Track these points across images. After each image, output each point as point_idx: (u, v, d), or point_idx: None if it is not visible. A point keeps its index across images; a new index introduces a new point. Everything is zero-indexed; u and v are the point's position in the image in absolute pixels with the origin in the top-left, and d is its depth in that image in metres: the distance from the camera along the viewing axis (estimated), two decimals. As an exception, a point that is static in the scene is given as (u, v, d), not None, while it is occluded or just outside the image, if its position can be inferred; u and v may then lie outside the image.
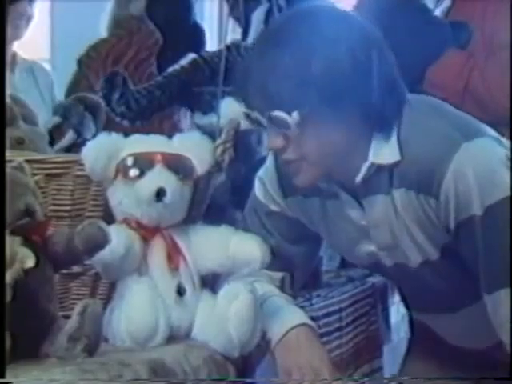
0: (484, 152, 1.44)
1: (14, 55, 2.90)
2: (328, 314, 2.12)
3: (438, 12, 2.40)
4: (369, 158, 1.47)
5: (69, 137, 2.16)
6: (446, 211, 1.44)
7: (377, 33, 1.48)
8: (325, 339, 2.17)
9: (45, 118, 2.71)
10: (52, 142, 2.08)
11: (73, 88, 3.05)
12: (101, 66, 3.04)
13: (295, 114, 1.40)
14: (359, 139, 1.46)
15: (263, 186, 1.64)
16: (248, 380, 1.52)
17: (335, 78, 1.40)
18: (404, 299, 1.81)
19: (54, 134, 2.17)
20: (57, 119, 2.31)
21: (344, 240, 1.59)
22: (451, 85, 2.20)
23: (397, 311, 2.43)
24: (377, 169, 1.47)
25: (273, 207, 1.63)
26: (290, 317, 1.55)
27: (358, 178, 1.48)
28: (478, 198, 1.41)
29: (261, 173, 1.65)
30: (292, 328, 1.53)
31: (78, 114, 2.37)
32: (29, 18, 2.84)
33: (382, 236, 1.52)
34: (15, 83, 2.82)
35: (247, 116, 1.47)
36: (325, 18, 1.45)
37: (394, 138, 1.46)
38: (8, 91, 2.70)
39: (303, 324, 1.55)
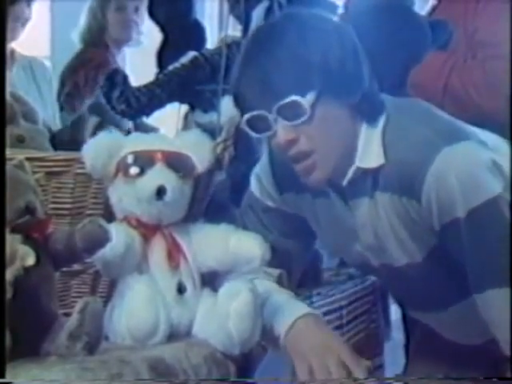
0: (465, 156, 1.44)
1: (13, 52, 2.91)
2: (328, 312, 2.12)
3: (423, 11, 2.40)
4: (355, 161, 1.48)
5: None
6: (428, 214, 1.45)
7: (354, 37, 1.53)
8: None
9: (43, 114, 2.73)
10: None
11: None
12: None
13: (309, 96, 1.42)
14: (351, 134, 1.48)
15: (259, 182, 1.64)
16: (249, 380, 1.52)
17: (333, 63, 1.43)
18: (396, 298, 1.82)
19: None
20: (95, 118, 2.32)
21: (334, 238, 1.60)
22: (431, 86, 2.20)
23: (397, 309, 2.43)
24: (362, 172, 1.49)
25: (269, 203, 1.64)
26: (295, 308, 1.55)
27: (345, 181, 1.49)
28: (460, 201, 1.42)
29: (257, 169, 1.66)
30: (299, 317, 1.52)
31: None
32: (26, 20, 2.85)
33: (367, 237, 1.54)
34: (14, 81, 2.83)
35: (249, 122, 1.47)
36: (310, 20, 1.49)
37: (378, 141, 1.47)
38: (7, 89, 2.73)
39: (309, 313, 1.54)
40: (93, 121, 2.30)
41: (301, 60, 1.43)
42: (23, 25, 2.86)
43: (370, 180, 1.49)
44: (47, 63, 3.28)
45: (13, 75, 2.85)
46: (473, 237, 1.43)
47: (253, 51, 1.47)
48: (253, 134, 1.49)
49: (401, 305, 1.81)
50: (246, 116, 1.47)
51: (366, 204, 1.51)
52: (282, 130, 1.46)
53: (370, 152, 1.48)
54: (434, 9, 2.41)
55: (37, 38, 3.32)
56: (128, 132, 2.18)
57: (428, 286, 1.57)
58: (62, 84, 3.24)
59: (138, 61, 3.54)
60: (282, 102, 1.43)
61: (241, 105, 1.49)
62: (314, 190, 1.56)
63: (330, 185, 1.53)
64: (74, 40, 3.34)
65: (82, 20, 3.36)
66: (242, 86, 1.47)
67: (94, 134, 2.19)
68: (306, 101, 1.43)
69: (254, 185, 1.66)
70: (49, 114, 2.85)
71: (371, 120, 1.49)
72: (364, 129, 1.48)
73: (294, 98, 1.43)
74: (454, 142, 1.44)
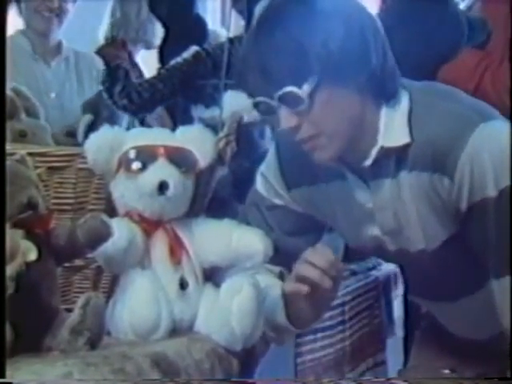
0: (500, 133, 1.44)
1: (60, 44, 2.92)
2: (331, 308, 2.12)
3: (463, 5, 2.38)
4: (378, 141, 1.47)
5: None
6: (459, 192, 1.44)
7: (369, 12, 1.50)
8: (328, 333, 2.18)
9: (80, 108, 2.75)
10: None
11: None
12: None
13: (306, 87, 1.40)
14: (368, 113, 1.46)
15: (265, 180, 1.64)
16: (250, 380, 1.52)
17: (334, 48, 1.40)
18: (406, 290, 1.82)
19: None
20: (88, 117, 2.33)
21: (349, 223, 1.59)
22: (462, 84, 2.19)
23: (400, 305, 2.43)
24: (385, 152, 1.47)
25: (276, 201, 1.63)
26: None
27: (368, 162, 1.48)
28: (492, 179, 1.41)
29: (263, 168, 1.65)
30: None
31: (107, 107, 2.40)
32: (60, 12, 2.86)
33: (386, 220, 1.52)
34: (48, 74, 2.87)
35: (256, 105, 1.46)
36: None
37: (403, 121, 1.46)
38: (39, 81, 2.75)
39: None
40: (85, 119, 2.30)
41: (300, 46, 1.40)
42: (59, 16, 2.87)
43: (393, 160, 1.48)
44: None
45: (51, 68, 2.88)
46: (500, 217, 1.42)
47: (255, 35, 1.45)
48: (259, 118, 1.49)
49: (413, 293, 1.79)
50: (251, 100, 1.46)
51: (387, 185, 1.49)
52: (285, 117, 1.45)
53: (393, 131, 1.46)
54: (473, 4, 2.38)
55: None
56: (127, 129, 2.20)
57: (440, 275, 1.57)
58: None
59: (140, 56, 3.54)
60: (280, 92, 1.42)
61: (245, 89, 1.48)
62: (327, 177, 1.55)
63: (348, 167, 1.52)
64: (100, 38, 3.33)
65: (107, 19, 3.37)
66: (245, 71, 1.46)
67: (86, 132, 2.21)
68: (303, 91, 1.41)
69: (259, 183, 1.65)
70: None
71: (388, 99, 1.47)
72: (384, 109, 1.47)
73: (290, 88, 1.41)
74: (488, 119, 1.44)
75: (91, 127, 2.27)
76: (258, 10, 2.42)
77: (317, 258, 1.45)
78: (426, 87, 1.52)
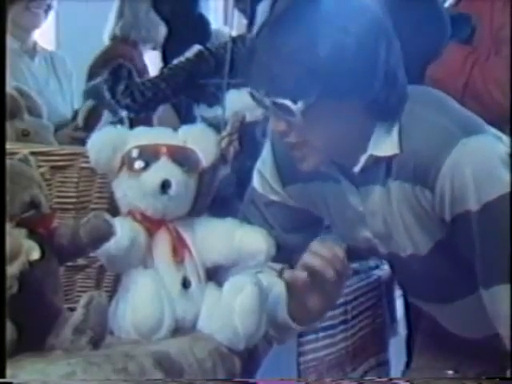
0: (483, 148, 1.43)
1: (35, 44, 2.96)
2: (333, 307, 2.11)
3: (446, 3, 2.38)
4: (368, 149, 1.47)
5: (105, 118, 2.19)
6: (441, 204, 1.45)
7: (387, 21, 1.47)
8: (330, 332, 2.17)
9: (62, 106, 2.78)
10: (87, 128, 2.10)
11: None
12: None
13: (300, 104, 1.40)
14: (362, 129, 1.47)
15: (261, 176, 1.64)
16: (252, 380, 1.52)
17: (341, 66, 1.38)
18: (402, 287, 1.82)
19: (90, 119, 2.21)
20: (90, 102, 2.34)
21: (344, 223, 1.59)
22: (451, 81, 2.18)
23: (403, 304, 2.42)
24: (375, 160, 1.48)
25: (273, 197, 1.63)
26: None
27: (356, 169, 1.49)
28: (474, 193, 1.41)
29: (258, 164, 1.65)
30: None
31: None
32: (48, 8, 2.90)
33: (376, 224, 1.53)
34: (34, 71, 2.88)
35: (252, 96, 1.46)
36: (334, 3, 1.43)
37: (395, 131, 1.47)
38: (28, 78, 2.79)
39: None
40: (88, 104, 2.32)
41: (308, 59, 1.38)
42: (46, 12, 2.91)
43: (383, 168, 1.48)
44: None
45: (34, 66, 2.90)
46: (484, 230, 1.42)
47: (269, 36, 1.43)
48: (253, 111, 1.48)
49: (406, 294, 1.80)
50: (248, 89, 1.46)
51: (377, 192, 1.50)
52: (275, 121, 1.45)
53: (384, 141, 1.46)
54: (458, 1, 2.37)
55: (41, 33, 3.32)
56: (121, 119, 2.21)
57: (432, 278, 1.57)
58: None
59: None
60: (274, 100, 1.42)
61: (246, 79, 1.47)
62: (323, 176, 1.55)
63: (341, 171, 1.53)
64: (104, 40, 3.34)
65: (113, 18, 3.38)
66: (251, 62, 1.44)
67: (87, 117, 2.22)
68: (297, 107, 1.40)
69: (256, 180, 1.65)
70: (67, 107, 2.89)
71: (387, 119, 1.46)
72: (378, 123, 1.47)
73: (285, 101, 1.40)
74: (471, 134, 1.43)
75: (92, 113, 2.29)
76: (261, 10, 2.42)
77: (322, 249, 1.46)
78: (418, 96, 1.50)
